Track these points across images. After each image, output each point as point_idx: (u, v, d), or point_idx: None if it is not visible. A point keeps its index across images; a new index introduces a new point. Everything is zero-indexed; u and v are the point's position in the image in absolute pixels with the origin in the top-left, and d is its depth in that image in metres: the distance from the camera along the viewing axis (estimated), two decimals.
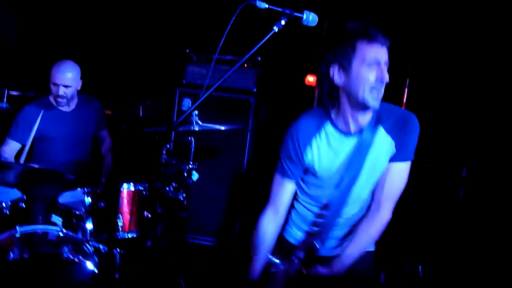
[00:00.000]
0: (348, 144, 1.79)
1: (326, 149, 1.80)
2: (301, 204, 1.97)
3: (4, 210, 2.51)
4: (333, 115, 1.79)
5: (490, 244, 2.92)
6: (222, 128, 2.86)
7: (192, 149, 2.82)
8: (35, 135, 3.13)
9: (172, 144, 3.61)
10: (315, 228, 1.89)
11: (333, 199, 1.81)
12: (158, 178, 2.71)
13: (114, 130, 3.57)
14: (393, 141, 1.76)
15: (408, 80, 3.82)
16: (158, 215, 2.71)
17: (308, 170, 1.87)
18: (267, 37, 1.61)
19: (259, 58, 3.88)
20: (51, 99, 3.19)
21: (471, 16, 3.52)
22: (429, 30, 3.70)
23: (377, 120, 1.76)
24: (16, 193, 2.69)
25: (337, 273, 1.78)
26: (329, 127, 1.80)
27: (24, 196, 2.66)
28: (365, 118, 1.75)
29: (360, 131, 1.76)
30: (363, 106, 1.68)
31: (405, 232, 3.19)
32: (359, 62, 1.63)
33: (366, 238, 1.82)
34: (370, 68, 1.63)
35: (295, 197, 1.99)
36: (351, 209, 1.85)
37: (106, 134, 3.52)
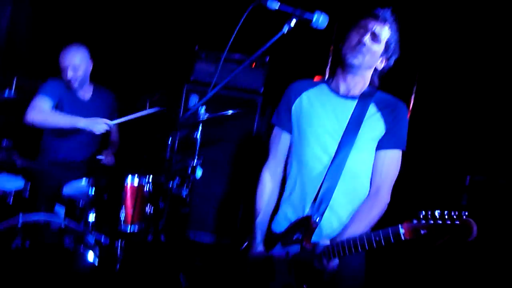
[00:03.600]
0: (338, 105, 1.89)
1: (315, 104, 1.93)
2: (294, 180, 1.95)
3: (9, 197, 2.54)
4: (329, 79, 1.98)
5: (492, 253, 2.91)
6: (229, 113, 2.84)
7: (198, 146, 2.83)
8: None
9: (177, 138, 3.62)
10: (309, 206, 1.85)
11: (329, 170, 1.82)
12: (162, 173, 2.72)
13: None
14: (383, 120, 1.84)
15: (415, 88, 3.81)
16: (160, 210, 2.72)
17: (295, 124, 1.96)
18: (276, 37, 1.62)
19: (268, 58, 3.88)
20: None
21: (479, 24, 3.51)
22: (437, 38, 3.69)
23: (370, 94, 1.89)
24: (21, 181, 2.71)
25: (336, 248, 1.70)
26: (323, 86, 1.97)
27: (29, 184, 2.68)
28: (355, 81, 1.89)
29: (351, 97, 1.89)
30: (347, 65, 1.85)
31: None
32: (354, 28, 1.86)
33: (367, 220, 1.81)
34: (357, 32, 1.84)
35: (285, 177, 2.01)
36: (346, 185, 1.83)
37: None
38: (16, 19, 4.40)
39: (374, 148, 1.86)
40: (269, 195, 2.01)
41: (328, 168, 1.83)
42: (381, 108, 1.87)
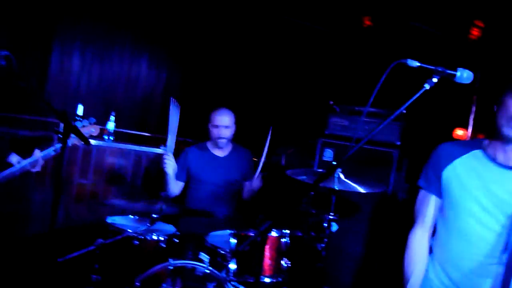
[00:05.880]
0: (499, 176, 1.72)
1: (469, 173, 1.77)
2: (443, 250, 1.86)
3: (161, 243, 2.82)
4: (485, 144, 1.81)
5: None
6: (363, 190, 2.82)
7: (333, 201, 2.83)
8: (191, 175, 3.47)
9: (313, 192, 3.66)
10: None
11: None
12: (298, 227, 2.77)
13: None
14: None
15: None
16: (296, 263, 2.75)
17: (446, 192, 1.83)
18: (418, 94, 1.61)
19: (404, 111, 3.79)
20: (208, 144, 3.53)
21: None
22: None
23: None
24: (171, 229, 3.01)
25: None
26: (477, 152, 1.81)
27: (178, 232, 2.95)
28: None
29: None
30: (503, 137, 1.70)
31: None
32: (507, 94, 1.68)
33: None
34: None
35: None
36: None
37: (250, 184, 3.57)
38: (170, 83, 5.03)
39: None
40: (417, 262, 1.92)
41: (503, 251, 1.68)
42: None
